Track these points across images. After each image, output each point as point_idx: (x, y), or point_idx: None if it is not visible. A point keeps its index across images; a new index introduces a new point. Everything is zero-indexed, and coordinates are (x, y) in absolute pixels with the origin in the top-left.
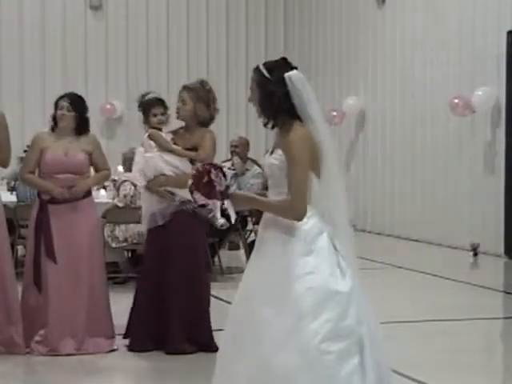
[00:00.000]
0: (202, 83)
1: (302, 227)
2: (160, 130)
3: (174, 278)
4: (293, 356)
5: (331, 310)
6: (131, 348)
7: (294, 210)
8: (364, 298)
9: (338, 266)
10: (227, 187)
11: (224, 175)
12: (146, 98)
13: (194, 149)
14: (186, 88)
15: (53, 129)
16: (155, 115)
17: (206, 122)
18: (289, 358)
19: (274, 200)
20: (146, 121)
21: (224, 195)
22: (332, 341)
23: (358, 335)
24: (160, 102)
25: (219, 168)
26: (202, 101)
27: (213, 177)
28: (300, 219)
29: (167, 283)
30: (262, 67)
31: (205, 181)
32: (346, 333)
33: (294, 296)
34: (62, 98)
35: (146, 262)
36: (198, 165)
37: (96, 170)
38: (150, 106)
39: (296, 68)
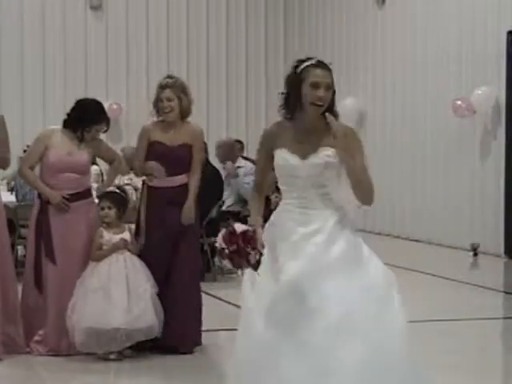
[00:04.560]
0: (172, 77)
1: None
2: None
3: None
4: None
5: None
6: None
7: None
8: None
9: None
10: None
11: (253, 246)
12: None
13: (184, 145)
14: (167, 86)
15: (72, 129)
16: None
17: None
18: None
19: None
20: None
21: (254, 266)
22: None
23: None
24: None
25: (248, 240)
26: (185, 93)
27: (241, 245)
28: None
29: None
30: None
31: (232, 249)
32: None
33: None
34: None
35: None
36: (223, 232)
37: (109, 163)
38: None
39: None
